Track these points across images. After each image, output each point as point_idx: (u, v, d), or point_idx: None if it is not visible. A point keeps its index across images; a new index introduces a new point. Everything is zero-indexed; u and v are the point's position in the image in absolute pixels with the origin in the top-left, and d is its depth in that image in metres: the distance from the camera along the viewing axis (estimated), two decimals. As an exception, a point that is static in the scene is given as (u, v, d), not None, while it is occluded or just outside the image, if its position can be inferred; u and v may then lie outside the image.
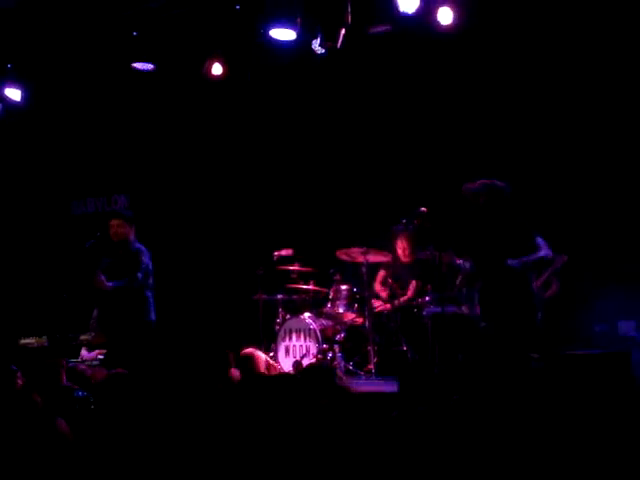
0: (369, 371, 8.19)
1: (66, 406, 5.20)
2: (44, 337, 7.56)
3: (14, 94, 9.51)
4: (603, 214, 8.37)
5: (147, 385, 4.92)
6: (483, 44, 8.68)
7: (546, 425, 4.60)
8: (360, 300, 8.63)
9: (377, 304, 8.66)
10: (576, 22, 8.24)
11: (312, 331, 8.52)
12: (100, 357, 7.69)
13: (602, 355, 5.70)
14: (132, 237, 7.90)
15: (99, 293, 7.77)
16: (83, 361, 7.61)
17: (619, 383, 5.31)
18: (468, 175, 7.23)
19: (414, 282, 8.55)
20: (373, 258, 8.59)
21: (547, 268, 7.98)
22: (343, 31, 8.06)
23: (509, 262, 6.49)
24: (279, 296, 9.03)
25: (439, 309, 7.52)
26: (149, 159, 10.99)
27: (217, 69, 9.04)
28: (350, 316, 8.66)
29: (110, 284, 7.62)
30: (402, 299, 8.48)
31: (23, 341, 7.56)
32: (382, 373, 8.02)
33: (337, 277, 8.76)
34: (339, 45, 8.14)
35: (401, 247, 8.64)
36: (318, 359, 8.29)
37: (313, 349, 8.46)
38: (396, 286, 8.54)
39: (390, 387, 7.06)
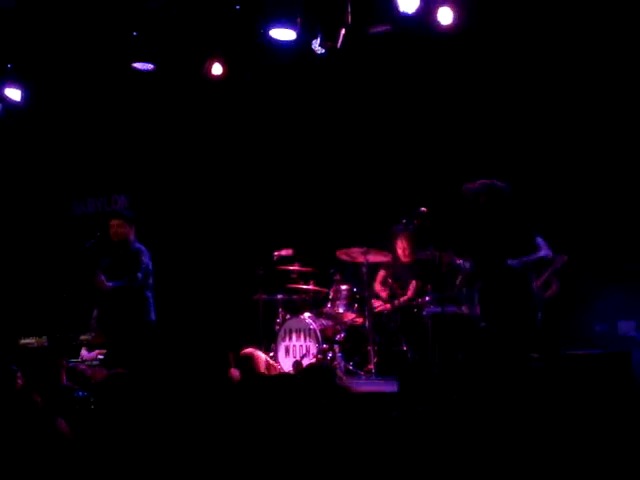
0: (369, 371, 8.19)
1: (66, 406, 5.20)
2: (44, 337, 7.56)
3: (14, 94, 9.52)
4: (603, 214, 8.36)
5: (147, 385, 4.92)
6: (483, 44, 8.68)
7: (546, 425, 4.60)
8: (360, 300, 8.63)
9: (377, 304, 8.66)
10: (576, 22, 8.24)
11: (312, 331, 8.52)
12: (100, 357, 7.69)
13: (602, 355, 5.70)
14: (132, 237, 7.90)
15: (99, 293, 7.77)
16: (83, 361, 7.61)
17: (619, 383, 5.31)
18: (468, 175, 7.23)
19: (414, 282, 8.56)
20: (373, 258, 8.59)
21: (547, 268, 7.98)
22: (343, 31, 8.07)
23: (509, 262, 6.49)
24: (279, 296, 9.03)
25: (439, 309, 7.52)
26: (149, 159, 10.99)
27: (217, 69, 9.04)
28: (350, 316, 8.66)
29: (110, 284, 7.62)
30: (402, 299, 8.48)
31: (23, 341, 7.56)
32: (382, 373, 8.02)
33: (337, 277, 8.76)
34: (339, 45, 8.15)
35: (401, 247, 8.64)
36: (318, 359, 8.29)
37: (313, 349, 8.46)
38: (396, 286, 8.54)
39: (390, 387, 7.06)
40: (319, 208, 9.80)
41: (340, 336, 8.52)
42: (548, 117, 8.67)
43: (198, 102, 10.33)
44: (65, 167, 11.43)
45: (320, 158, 9.90)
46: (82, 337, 7.78)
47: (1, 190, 11.54)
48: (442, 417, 4.46)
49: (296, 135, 10.08)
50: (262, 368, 6.68)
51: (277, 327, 8.83)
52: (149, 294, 7.90)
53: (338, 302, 8.72)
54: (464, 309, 7.68)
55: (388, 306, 8.54)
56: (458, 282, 7.35)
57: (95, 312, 8.09)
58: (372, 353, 8.21)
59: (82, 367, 7.34)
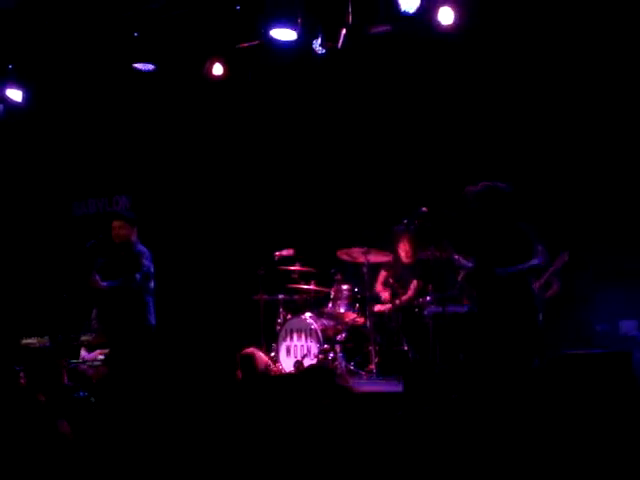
0: (370, 371, 8.19)
1: (67, 406, 5.20)
2: (46, 337, 7.56)
3: (15, 95, 9.52)
4: (604, 214, 8.36)
5: (147, 387, 4.92)
6: (484, 44, 8.68)
7: (547, 425, 4.60)
8: (361, 300, 8.63)
9: (378, 308, 8.64)
10: (576, 22, 8.24)
11: (313, 331, 8.52)
12: (100, 357, 7.69)
13: (603, 355, 5.70)
14: (134, 238, 7.89)
15: (95, 293, 7.76)
16: (84, 362, 7.62)
17: (620, 383, 5.31)
18: (469, 174, 7.23)
19: (415, 282, 8.56)
20: (374, 258, 8.59)
21: (547, 269, 7.99)
22: (344, 31, 8.07)
23: (498, 271, 6.47)
24: (280, 296, 9.03)
25: (440, 309, 7.53)
26: (150, 160, 10.99)
27: (218, 69, 9.05)
28: (351, 316, 8.66)
29: (105, 284, 7.61)
30: (403, 298, 8.49)
31: (25, 341, 7.56)
32: (383, 373, 8.02)
33: (338, 277, 8.76)
34: (340, 45, 8.15)
35: (403, 248, 8.64)
36: (319, 359, 8.29)
37: (314, 349, 8.46)
38: (397, 286, 8.54)
39: (392, 387, 7.08)
40: (320, 208, 9.80)
41: (341, 336, 8.52)
42: (549, 116, 8.67)
43: (199, 102, 10.33)
44: (66, 168, 11.43)
45: (321, 158, 9.90)
46: (83, 338, 7.78)
47: (2, 191, 11.54)
48: (444, 417, 4.46)
49: (297, 135, 10.08)
50: (262, 368, 6.69)
51: (278, 327, 8.83)
52: (149, 299, 7.86)
53: (339, 302, 8.72)
54: (465, 307, 7.67)
55: (389, 306, 8.54)
56: (460, 278, 7.33)
57: (94, 312, 8.09)
58: (373, 353, 8.21)
59: (83, 367, 7.36)
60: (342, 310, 8.69)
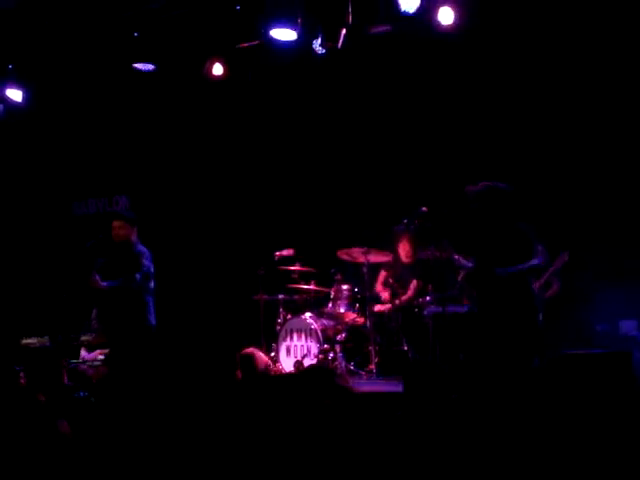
0: (370, 371, 8.20)
1: (67, 406, 5.20)
2: (46, 337, 7.56)
3: (15, 95, 9.53)
4: (604, 214, 8.36)
5: (147, 387, 4.93)
6: (484, 44, 8.68)
7: (547, 425, 4.60)
8: (361, 300, 8.63)
9: (378, 308, 8.65)
10: (576, 21, 8.25)
11: (313, 331, 8.52)
12: (100, 357, 7.69)
13: (603, 355, 5.70)
14: (134, 238, 7.89)
15: (95, 293, 7.76)
16: (84, 362, 7.62)
17: (620, 383, 5.31)
18: (469, 174, 7.22)
19: (415, 282, 8.57)
20: (374, 258, 8.59)
21: (547, 268, 7.99)
22: (344, 31, 8.07)
23: (498, 271, 6.47)
24: (280, 296, 9.03)
25: (440, 309, 7.53)
26: (150, 160, 10.99)
27: (218, 69, 9.05)
28: (351, 316, 8.67)
29: (104, 284, 7.61)
30: (403, 298, 8.49)
31: (25, 341, 7.56)
32: (383, 373, 8.03)
33: (338, 277, 8.76)
34: (340, 45, 8.15)
35: (403, 248, 8.64)
36: (319, 359, 8.30)
37: (314, 349, 8.47)
38: (397, 286, 8.54)
39: (392, 387, 7.08)
40: (320, 208, 9.80)
41: (341, 336, 8.52)
42: (549, 116, 8.67)
43: (199, 102, 10.33)
44: (66, 167, 11.43)
45: (321, 158, 9.90)
46: (83, 338, 7.78)
47: (2, 191, 11.54)
48: (444, 417, 4.46)
49: (297, 135, 10.08)
50: (262, 368, 6.68)
51: (278, 327, 8.84)
52: (149, 299, 7.86)
53: (339, 302, 8.72)
54: (465, 307, 7.68)
55: (389, 306, 8.54)
56: (459, 278, 7.33)
57: (94, 312, 8.09)
58: (373, 353, 8.22)
59: (83, 367, 7.36)
60: (342, 310, 8.69)
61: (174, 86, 9.93)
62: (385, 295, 8.64)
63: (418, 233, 8.11)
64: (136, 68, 9.11)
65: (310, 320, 8.59)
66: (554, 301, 8.06)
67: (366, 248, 8.44)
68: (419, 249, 8.36)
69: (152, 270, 7.83)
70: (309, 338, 8.56)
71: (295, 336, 8.68)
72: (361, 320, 8.59)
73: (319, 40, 8.17)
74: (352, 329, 8.61)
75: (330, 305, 8.76)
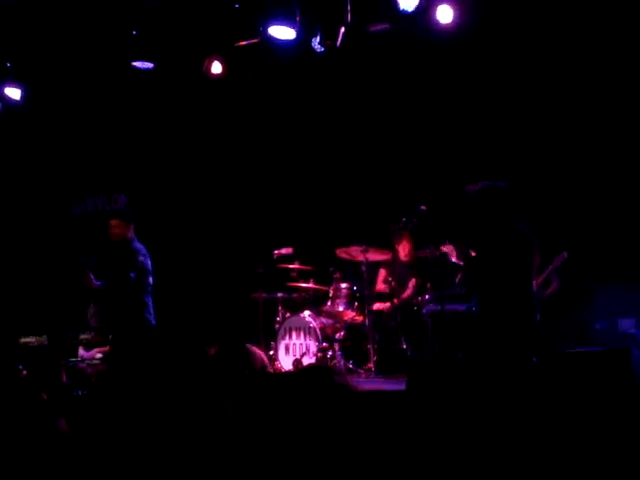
0: (369, 369, 8.19)
1: (66, 405, 5.20)
2: (44, 336, 7.56)
3: (14, 93, 9.52)
4: (603, 212, 8.37)
5: (146, 385, 4.92)
6: (483, 42, 8.68)
7: (546, 423, 4.60)
8: (360, 298, 8.63)
9: (377, 306, 8.64)
10: (576, 21, 8.24)
11: (312, 329, 8.52)
12: (99, 356, 7.69)
13: (602, 353, 5.70)
14: (130, 236, 7.87)
15: (90, 292, 7.77)
16: (83, 360, 7.62)
17: (619, 381, 5.31)
18: (468, 173, 7.22)
19: (414, 280, 8.57)
20: (373, 256, 8.59)
21: (547, 266, 8.00)
22: (343, 29, 8.07)
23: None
24: (279, 294, 9.03)
25: (439, 307, 7.52)
26: (149, 158, 10.99)
27: (217, 68, 9.05)
28: (350, 314, 8.66)
29: (98, 283, 7.60)
30: (402, 296, 8.50)
31: (23, 340, 7.56)
32: (382, 371, 8.02)
33: (337, 275, 8.76)
34: (338, 44, 8.15)
35: (402, 246, 8.65)
36: (318, 357, 8.30)
37: (313, 347, 8.46)
38: (396, 284, 8.54)
39: (390, 385, 7.07)
40: (319, 206, 9.81)
41: (340, 334, 8.52)
42: (548, 114, 8.67)
43: (198, 101, 10.33)
44: (65, 166, 11.42)
45: (320, 156, 9.90)
46: (82, 336, 7.78)
47: (1, 189, 11.54)
48: (444, 415, 4.46)
49: (296, 133, 10.09)
50: (258, 366, 6.66)
51: (277, 325, 8.84)
52: (148, 298, 7.85)
53: (338, 300, 8.72)
54: (464, 306, 7.67)
55: (388, 304, 8.54)
56: (457, 280, 7.34)
57: (91, 309, 8.10)
58: (372, 351, 8.21)
59: (82, 366, 7.36)
60: (341, 308, 8.69)
61: (173, 84, 9.93)
62: (387, 292, 8.60)
63: (417, 232, 8.12)
64: (135, 66, 9.11)
65: (309, 318, 8.59)
66: (553, 299, 8.06)
67: (365, 246, 8.43)
68: (418, 247, 8.37)
69: (149, 266, 7.81)
70: (308, 336, 8.56)
71: (294, 334, 8.68)
72: (360, 318, 8.58)
73: (318, 38, 8.17)
74: (351, 327, 8.61)
75: (329, 303, 8.76)
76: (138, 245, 7.88)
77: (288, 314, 8.87)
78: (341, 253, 8.70)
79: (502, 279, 6.49)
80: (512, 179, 6.82)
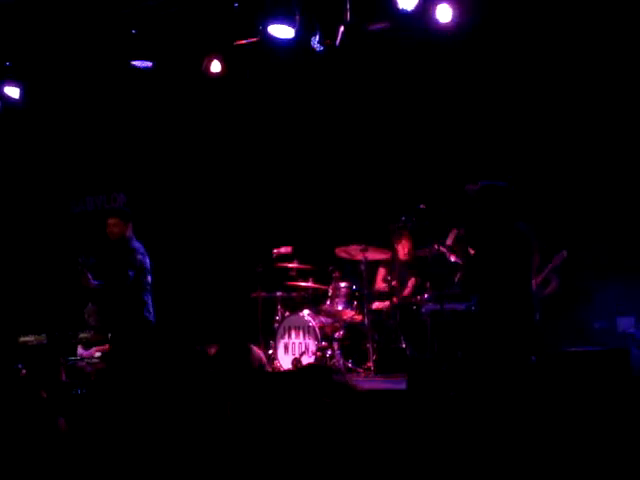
0: (368, 369, 8.19)
1: (65, 403, 5.21)
2: (43, 335, 7.56)
3: (13, 92, 9.52)
4: (602, 211, 8.37)
5: (145, 384, 4.93)
6: (482, 41, 8.68)
7: (545, 422, 4.61)
8: (359, 297, 8.63)
9: (376, 305, 8.64)
10: (575, 20, 8.24)
11: (311, 328, 8.52)
12: (98, 354, 7.69)
13: (601, 352, 5.71)
14: (128, 235, 7.85)
15: (88, 292, 7.77)
16: (82, 359, 7.62)
17: (618, 380, 5.31)
18: (467, 172, 7.22)
19: (413, 279, 8.58)
20: (372, 255, 8.59)
21: (546, 265, 8.00)
22: (342, 28, 8.07)
23: None
24: (278, 293, 9.03)
25: (438, 306, 7.52)
26: (148, 157, 10.99)
27: (216, 67, 9.04)
28: (349, 313, 8.66)
29: (96, 282, 7.60)
30: (401, 295, 8.50)
31: (23, 339, 7.56)
32: (381, 371, 8.02)
33: (336, 274, 8.76)
34: (338, 43, 8.15)
35: (401, 245, 8.65)
36: (317, 357, 8.29)
37: (312, 346, 8.46)
38: (395, 283, 8.54)
39: (390, 384, 7.08)
40: (318, 206, 9.81)
41: (339, 333, 8.52)
42: (548, 113, 8.67)
43: (197, 100, 10.32)
44: (64, 165, 11.42)
45: (319, 155, 9.90)
46: (81, 335, 7.78)
47: (0, 188, 11.53)
48: (446, 414, 4.47)
49: (295, 132, 10.08)
50: (255, 365, 6.67)
51: (276, 324, 8.83)
52: (147, 297, 7.84)
53: (337, 299, 8.71)
54: (463, 305, 7.67)
55: (387, 303, 8.54)
56: (457, 279, 7.33)
57: (89, 308, 8.09)
58: (371, 351, 8.20)
59: (81, 364, 7.36)
60: (340, 307, 8.68)
61: (172, 83, 9.92)
62: (387, 291, 8.59)
63: (416, 231, 8.12)
64: (134, 65, 9.11)
65: (308, 317, 8.59)
66: (553, 298, 8.07)
67: (364, 245, 8.43)
68: (417, 246, 8.37)
69: (147, 265, 7.80)
70: (307, 335, 8.56)
71: (293, 333, 8.68)
72: (359, 318, 8.58)
73: (317, 37, 8.16)
74: (350, 326, 8.60)
75: (328, 302, 8.75)
76: (136, 244, 7.86)
77: (287, 313, 8.87)
78: (340, 252, 8.69)
79: (502, 278, 6.49)
80: (511, 178, 6.82)
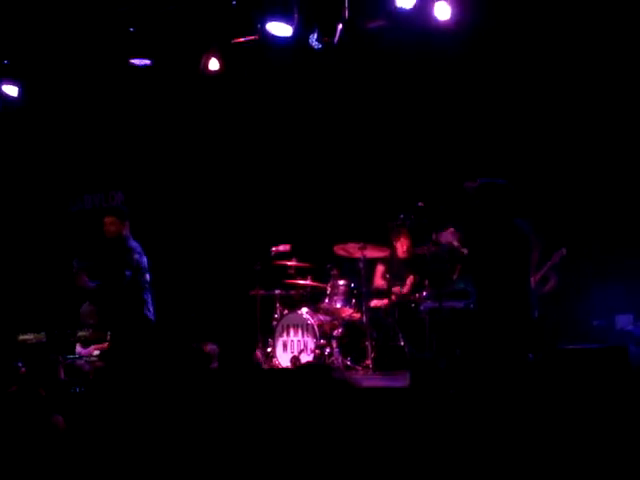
0: (367, 366, 8.18)
1: (63, 401, 5.20)
2: (42, 333, 7.55)
3: (11, 90, 9.51)
4: (601, 209, 8.37)
5: (144, 382, 4.92)
6: (481, 39, 8.68)
7: (544, 419, 4.61)
8: (357, 295, 8.63)
9: (375, 303, 8.64)
10: (575, 20, 8.25)
11: (310, 326, 8.52)
12: (96, 353, 7.69)
13: (600, 349, 5.71)
14: (125, 233, 7.82)
15: (84, 292, 7.77)
16: (80, 357, 7.62)
17: (616, 377, 5.32)
18: (466, 170, 7.22)
19: (411, 277, 8.58)
20: (370, 253, 8.59)
21: (546, 262, 8.01)
22: (340, 26, 8.07)
23: None
24: (277, 291, 9.02)
25: (436, 304, 7.52)
26: (146, 155, 10.98)
27: (214, 65, 9.04)
28: (347, 311, 8.66)
29: (92, 283, 7.59)
30: (399, 293, 8.50)
31: (21, 337, 7.56)
32: (380, 368, 8.02)
33: (334, 272, 8.75)
34: (336, 40, 8.14)
35: (399, 243, 8.65)
36: (316, 355, 8.30)
37: (311, 344, 8.47)
38: (394, 281, 8.54)
39: (389, 382, 7.08)
40: (316, 203, 9.80)
41: (338, 331, 8.51)
42: (547, 111, 8.67)
43: (195, 98, 10.31)
44: (62, 163, 11.41)
45: (317, 153, 9.89)
46: (80, 333, 7.77)
47: (-2, 186, 11.54)
48: (444, 412, 4.47)
49: (293, 130, 10.08)
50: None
51: (275, 322, 8.83)
52: (147, 296, 7.84)
53: (335, 297, 8.71)
54: (462, 303, 7.67)
55: (385, 301, 8.54)
56: (455, 277, 7.35)
57: (85, 307, 8.09)
58: (370, 348, 8.20)
59: (80, 363, 7.36)
60: (338, 305, 8.68)
61: (170, 81, 9.91)
62: (386, 288, 8.59)
63: (415, 228, 8.12)
64: (132, 63, 9.10)
65: (307, 315, 8.59)
66: (551, 296, 8.07)
67: (362, 243, 8.43)
68: (416, 244, 8.37)
69: (144, 264, 7.78)
70: (306, 333, 8.56)
71: (292, 331, 8.68)
72: (357, 315, 8.58)
73: (315, 35, 8.16)
74: (348, 324, 8.60)
75: (326, 300, 8.75)
76: (133, 243, 7.85)
77: (286, 311, 8.86)
78: (339, 250, 8.69)
79: (500, 276, 6.49)
80: (510, 176, 6.83)
